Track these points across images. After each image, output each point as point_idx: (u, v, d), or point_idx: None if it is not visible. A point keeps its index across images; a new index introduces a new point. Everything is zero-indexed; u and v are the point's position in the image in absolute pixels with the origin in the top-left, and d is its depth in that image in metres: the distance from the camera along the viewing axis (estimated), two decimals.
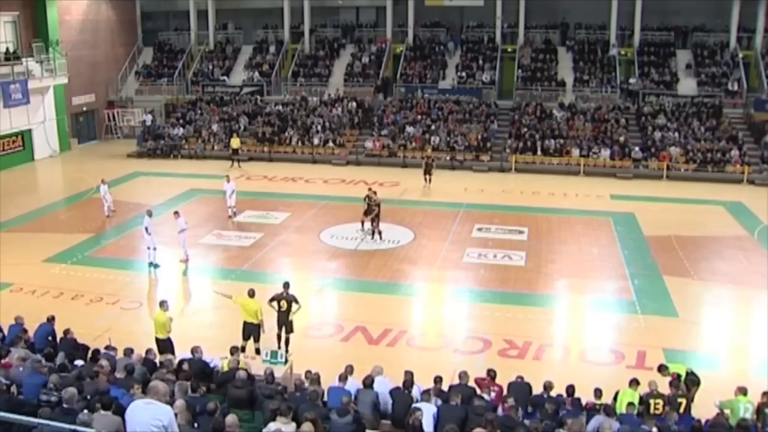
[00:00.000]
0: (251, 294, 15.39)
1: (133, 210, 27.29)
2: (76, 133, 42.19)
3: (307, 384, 11.56)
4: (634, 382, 12.07)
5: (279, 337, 15.84)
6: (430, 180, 32.07)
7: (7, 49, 36.06)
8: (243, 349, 14.89)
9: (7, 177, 33.96)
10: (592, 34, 43.48)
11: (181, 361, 12.44)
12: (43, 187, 35.28)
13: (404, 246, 23.94)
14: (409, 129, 37.91)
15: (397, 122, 38.55)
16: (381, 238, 24.18)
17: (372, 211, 24.23)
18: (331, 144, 37.91)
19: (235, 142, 36.60)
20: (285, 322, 15.72)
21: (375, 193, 24.77)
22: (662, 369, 12.88)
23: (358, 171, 35.29)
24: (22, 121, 36.57)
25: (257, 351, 15.05)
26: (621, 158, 34.83)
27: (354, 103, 40.44)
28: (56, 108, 39.47)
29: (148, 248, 21.78)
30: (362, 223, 24.66)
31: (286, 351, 15.33)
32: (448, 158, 35.90)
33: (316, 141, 38.04)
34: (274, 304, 15.69)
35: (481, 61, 42.30)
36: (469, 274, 21.63)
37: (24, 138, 37.44)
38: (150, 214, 22.02)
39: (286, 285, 15.96)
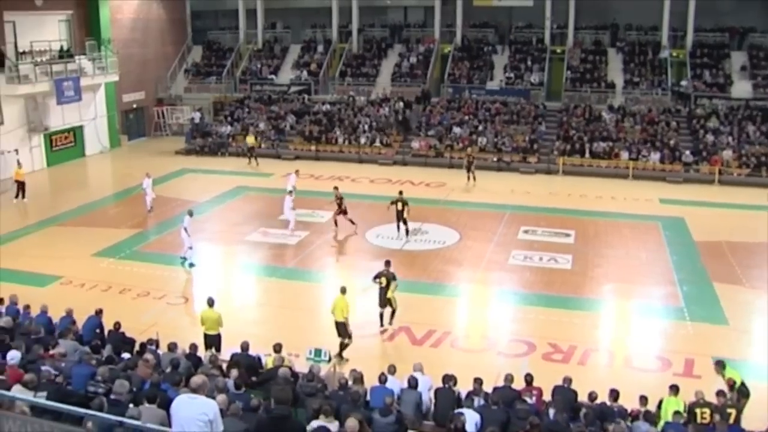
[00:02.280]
0: (343, 291, 15.87)
1: (180, 206, 27.54)
2: (126, 129, 42.80)
3: (350, 383, 11.56)
4: (674, 388, 11.77)
5: (381, 315, 17.07)
6: (474, 177, 32.01)
7: (61, 47, 36.78)
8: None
9: (58, 172, 34.66)
10: (643, 35, 42.70)
11: (233, 356, 12.60)
12: (93, 182, 35.90)
13: (450, 247, 23.84)
14: (456, 129, 37.73)
15: (444, 123, 38.42)
16: (356, 232, 24.71)
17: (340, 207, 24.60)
18: (377, 143, 37.94)
19: (250, 140, 36.88)
20: (384, 298, 16.75)
21: (336, 188, 25.17)
22: (720, 366, 12.47)
23: (404, 171, 35.19)
24: (74, 118, 37.26)
25: (343, 346, 15.59)
26: (671, 162, 34.16)
27: (401, 103, 40.37)
28: (107, 105, 40.11)
29: (189, 248, 21.82)
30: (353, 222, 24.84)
31: (390, 323, 17.08)
32: (494, 159, 35.63)
33: (362, 140, 38.09)
34: (377, 280, 17.11)
35: (529, 62, 41.93)
36: (514, 276, 21.47)
37: (75, 134, 38.14)
38: (191, 213, 22.06)
39: (388, 263, 17.53)
